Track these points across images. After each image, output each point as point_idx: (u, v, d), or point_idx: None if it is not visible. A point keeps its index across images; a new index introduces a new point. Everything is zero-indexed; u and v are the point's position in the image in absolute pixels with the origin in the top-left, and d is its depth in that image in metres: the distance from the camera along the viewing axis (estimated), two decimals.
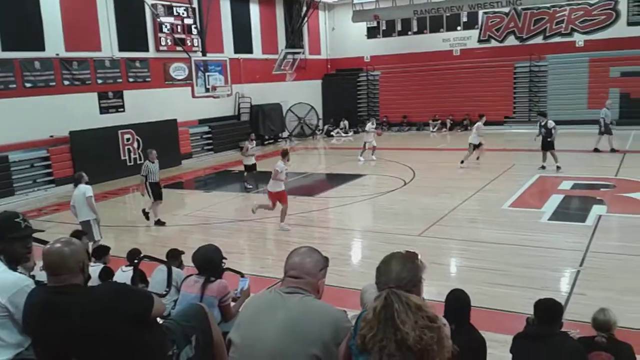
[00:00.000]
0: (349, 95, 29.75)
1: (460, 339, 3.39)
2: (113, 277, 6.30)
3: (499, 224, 11.00)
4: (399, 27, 29.18)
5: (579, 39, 25.34)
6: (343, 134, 28.31)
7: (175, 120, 20.87)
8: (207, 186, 17.87)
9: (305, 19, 26.03)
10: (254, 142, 16.46)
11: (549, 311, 4.04)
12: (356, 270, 8.86)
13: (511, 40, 26.68)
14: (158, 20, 20.30)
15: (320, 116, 29.78)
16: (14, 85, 16.17)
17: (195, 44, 21.46)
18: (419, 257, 2.62)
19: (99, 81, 18.74)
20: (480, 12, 26.53)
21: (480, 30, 27.37)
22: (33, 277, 3.37)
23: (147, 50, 20.45)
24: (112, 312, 2.79)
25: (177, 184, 17.47)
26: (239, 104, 25.06)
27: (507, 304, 7.05)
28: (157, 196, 12.21)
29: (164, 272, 5.65)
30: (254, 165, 15.81)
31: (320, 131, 29.03)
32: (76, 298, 2.83)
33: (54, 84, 17.24)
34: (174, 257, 6.68)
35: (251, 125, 24.91)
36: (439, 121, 27.37)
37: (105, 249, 7.25)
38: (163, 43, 20.88)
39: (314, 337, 2.63)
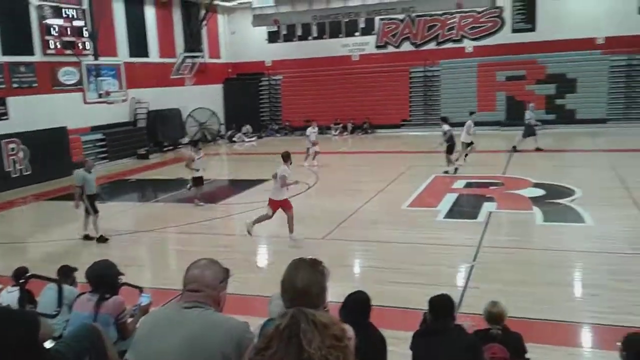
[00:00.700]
0: (251, 100, 29.60)
1: (360, 339, 3.43)
2: None
3: (399, 224, 11.37)
4: (299, 32, 29.46)
5: (468, 45, 26.87)
6: (246, 139, 28.07)
7: (65, 127, 19.68)
8: (102, 196, 16.99)
9: (204, 22, 25.58)
10: (201, 151, 14.57)
11: (442, 306, 4.21)
12: (261, 277, 8.79)
13: (407, 46, 27.79)
14: (45, 22, 19.08)
15: (222, 121, 29.39)
16: None
17: (87, 48, 20.40)
18: (323, 263, 2.62)
19: None
20: (377, 19, 27.42)
21: (378, 36, 28.27)
22: None
23: (32, 54, 19.15)
24: None
25: (68, 196, 16.46)
26: (135, 110, 24.12)
27: (408, 301, 7.28)
28: (96, 210, 11.28)
29: (54, 290, 5.29)
30: (202, 178, 14.19)
31: (222, 136, 28.64)
32: None
33: None
34: (65, 274, 6.26)
35: (148, 131, 24.08)
36: (341, 125, 27.90)
37: None
38: (51, 46, 19.62)
39: (215, 353, 2.56)
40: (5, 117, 18.09)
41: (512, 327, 4.64)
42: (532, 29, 25.53)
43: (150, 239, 11.37)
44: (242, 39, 30.23)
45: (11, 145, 17.77)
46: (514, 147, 19.39)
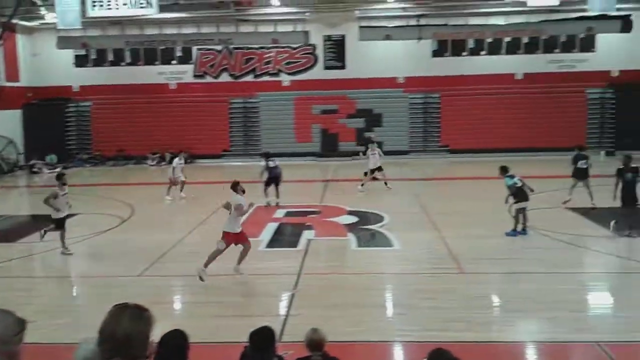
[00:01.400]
0: (56, 128, 27.09)
1: None
2: None
3: (221, 256, 11.12)
4: (110, 57, 27.96)
5: (285, 79, 27.87)
6: (47, 170, 25.28)
7: None
8: None
9: (0, 42, 23.06)
10: (66, 187, 11.71)
11: (261, 339, 4.17)
12: (71, 322, 7.93)
13: (225, 77, 27.93)
14: None
15: (22, 150, 26.53)
16: None
17: None
18: (149, 311, 2.40)
19: None
20: (194, 48, 27.20)
21: (195, 65, 28.01)
22: None
23: None
24: None
25: None
26: None
27: (232, 334, 7.09)
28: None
29: None
30: (64, 219, 11.53)
31: (21, 167, 25.82)
32: None
33: None
34: None
35: None
36: (158, 154, 26.89)
37: None
38: None
39: None
40: None
41: (332, 352, 4.74)
42: (343, 67, 27.38)
43: None
44: (45, 62, 27.74)
45: None
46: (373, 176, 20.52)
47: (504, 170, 12.31)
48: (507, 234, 11.95)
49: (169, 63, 28.03)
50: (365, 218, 14.09)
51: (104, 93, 27.69)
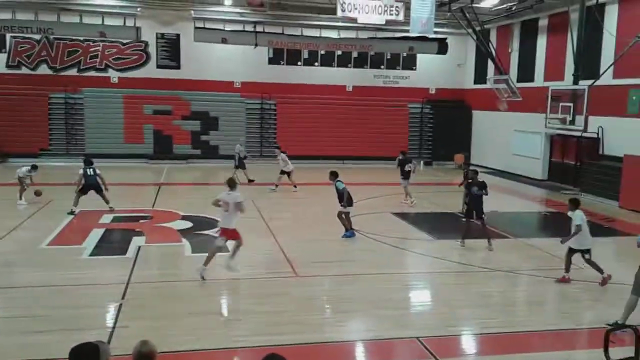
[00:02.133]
0: None
1: None
2: None
3: (37, 265, 10.09)
4: None
5: (113, 75, 26.19)
6: None
7: None
8: None
9: None
10: None
11: (83, 357, 3.80)
12: None
13: (44, 69, 25.45)
14: None
15: None
16: None
17: None
18: None
19: None
20: (8, 36, 24.42)
21: (9, 54, 25.15)
22: None
23: None
24: None
25: None
26: None
27: (49, 351, 6.43)
28: None
29: None
30: None
31: None
32: None
33: None
34: None
35: None
36: None
37: None
38: None
39: None
40: None
41: None
42: (177, 67, 26.53)
43: None
44: None
45: None
46: (250, 179, 20.33)
47: (334, 175, 12.88)
48: (344, 236, 12.52)
49: None
50: (200, 223, 13.75)
51: None
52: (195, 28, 23.59)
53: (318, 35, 25.31)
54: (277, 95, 27.16)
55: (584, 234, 9.52)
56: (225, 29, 23.94)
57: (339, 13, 20.05)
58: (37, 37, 24.55)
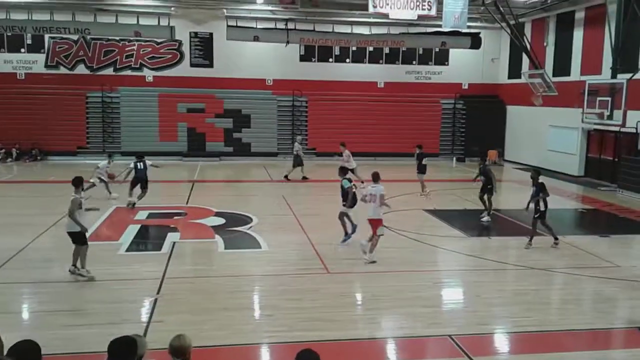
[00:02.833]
0: None
1: None
2: None
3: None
4: None
5: (148, 74, 26.67)
6: None
7: None
8: None
9: None
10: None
11: (119, 349, 3.92)
12: None
13: (82, 69, 26.07)
14: None
15: None
16: None
17: None
18: None
19: None
20: (47, 37, 25.10)
21: (48, 55, 25.85)
22: None
23: None
24: None
25: None
26: None
27: (87, 344, 6.63)
28: None
29: None
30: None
31: None
32: None
33: None
34: None
35: None
36: (3, 150, 24.48)
37: None
38: None
39: None
40: None
41: (199, 356, 4.61)
42: (210, 65, 26.85)
43: None
44: None
45: None
46: (286, 176, 20.42)
47: (343, 171, 12.54)
48: (343, 241, 11.86)
49: (17, 51, 25.59)
50: (232, 219, 13.91)
51: None
52: (228, 26, 23.82)
53: (349, 31, 25.28)
54: (308, 92, 27.22)
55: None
56: (257, 27, 24.13)
57: (371, 9, 19.99)
58: (75, 37, 25.16)
